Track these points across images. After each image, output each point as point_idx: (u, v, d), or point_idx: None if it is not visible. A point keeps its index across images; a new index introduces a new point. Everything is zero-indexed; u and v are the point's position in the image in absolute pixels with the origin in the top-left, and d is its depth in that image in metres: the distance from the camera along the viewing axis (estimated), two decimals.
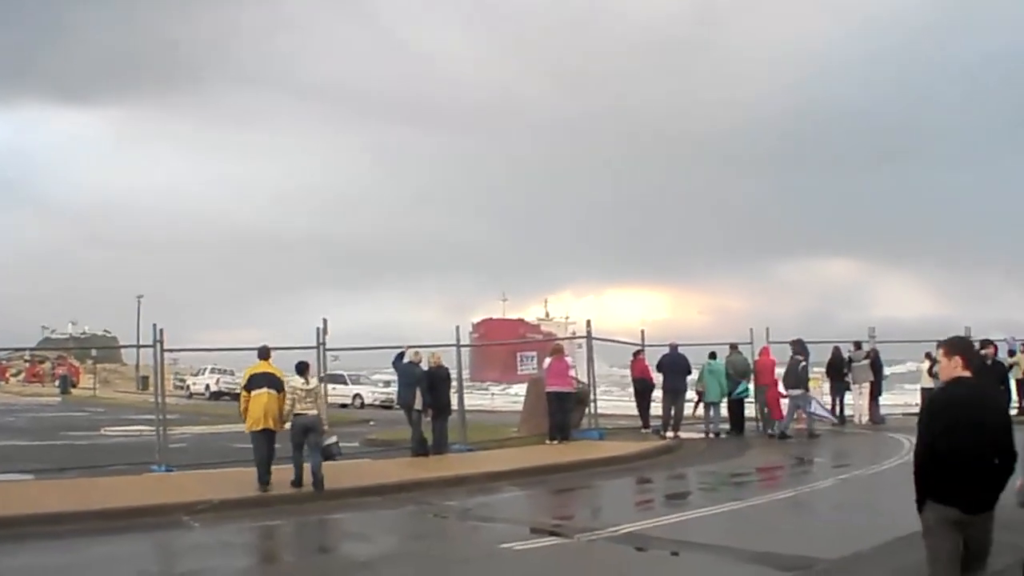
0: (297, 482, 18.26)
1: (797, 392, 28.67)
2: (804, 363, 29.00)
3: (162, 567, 13.77)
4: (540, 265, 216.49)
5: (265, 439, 18.33)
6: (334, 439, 20.57)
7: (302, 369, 18.93)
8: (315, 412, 18.57)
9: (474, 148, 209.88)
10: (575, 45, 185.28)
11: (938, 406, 7.54)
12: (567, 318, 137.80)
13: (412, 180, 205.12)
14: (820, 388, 33.16)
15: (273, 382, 18.50)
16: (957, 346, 7.67)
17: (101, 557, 13.67)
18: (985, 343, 24.76)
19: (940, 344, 7.65)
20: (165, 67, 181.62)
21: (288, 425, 18.49)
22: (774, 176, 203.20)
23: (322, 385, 20.56)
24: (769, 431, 28.90)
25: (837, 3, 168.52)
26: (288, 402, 18.36)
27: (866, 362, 31.47)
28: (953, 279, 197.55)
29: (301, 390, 18.48)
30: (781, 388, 29.11)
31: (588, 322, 30.00)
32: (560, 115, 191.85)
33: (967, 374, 7.45)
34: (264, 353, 19.19)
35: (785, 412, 28.66)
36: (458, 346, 26.49)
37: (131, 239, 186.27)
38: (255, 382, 18.57)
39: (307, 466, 18.38)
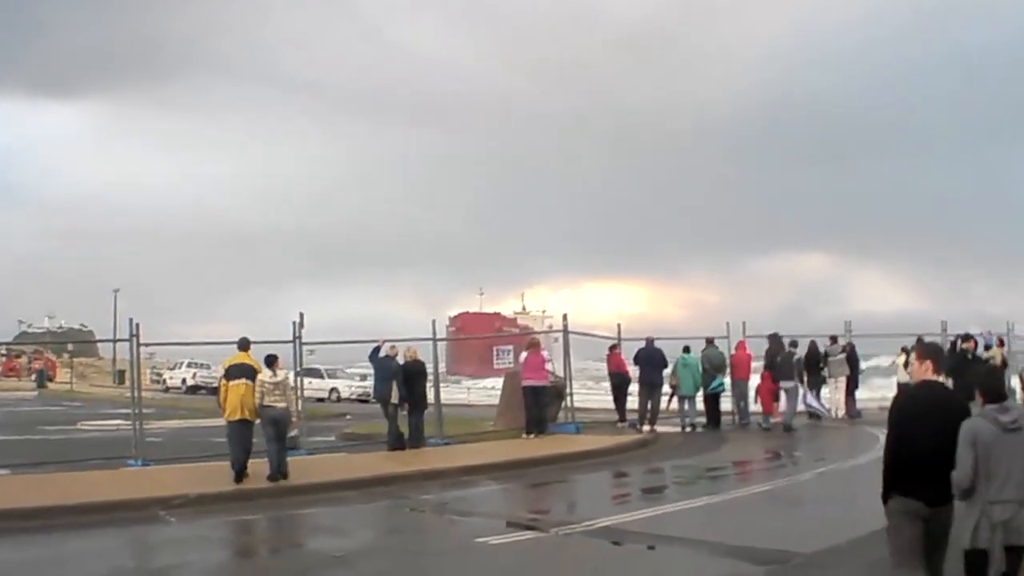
0: (273, 476, 18.33)
1: (790, 384, 28.96)
2: (799, 356, 29.13)
3: (138, 562, 13.72)
4: (517, 259, 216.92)
5: (241, 429, 18.51)
6: (294, 433, 20.33)
7: (270, 362, 18.99)
8: (283, 405, 18.63)
9: (452, 142, 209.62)
10: (554, 40, 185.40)
11: (905, 406, 8.15)
12: (544, 312, 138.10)
13: (390, 173, 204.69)
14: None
15: (250, 373, 18.64)
16: (928, 351, 8.32)
17: (77, 552, 13.62)
18: (966, 337, 24.82)
19: (915, 345, 9.22)
20: (144, 61, 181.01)
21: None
22: (751, 170, 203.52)
23: (292, 378, 20.54)
24: (764, 425, 29.11)
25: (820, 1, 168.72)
26: (257, 395, 18.42)
27: (842, 356, 31.51)
28: (928, 273, 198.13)
29: (268, 383, 18.54)
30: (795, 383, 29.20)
31: (564, 316, 30.04)
32: (538, 109, 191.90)
33: (936, 378, 8.10)
34: (244, 345, 19.37)
35: (783, 405, 28.77)
36: (434, 340, 26.43)
37: (108, 232, 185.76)
38: (232, 373, 18.75)
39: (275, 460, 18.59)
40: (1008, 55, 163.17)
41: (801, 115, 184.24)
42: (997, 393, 7.85)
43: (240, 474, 18.37)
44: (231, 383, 18.63)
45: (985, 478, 7.46)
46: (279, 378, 18.80)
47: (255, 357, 19.06)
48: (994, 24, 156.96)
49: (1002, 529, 7.42)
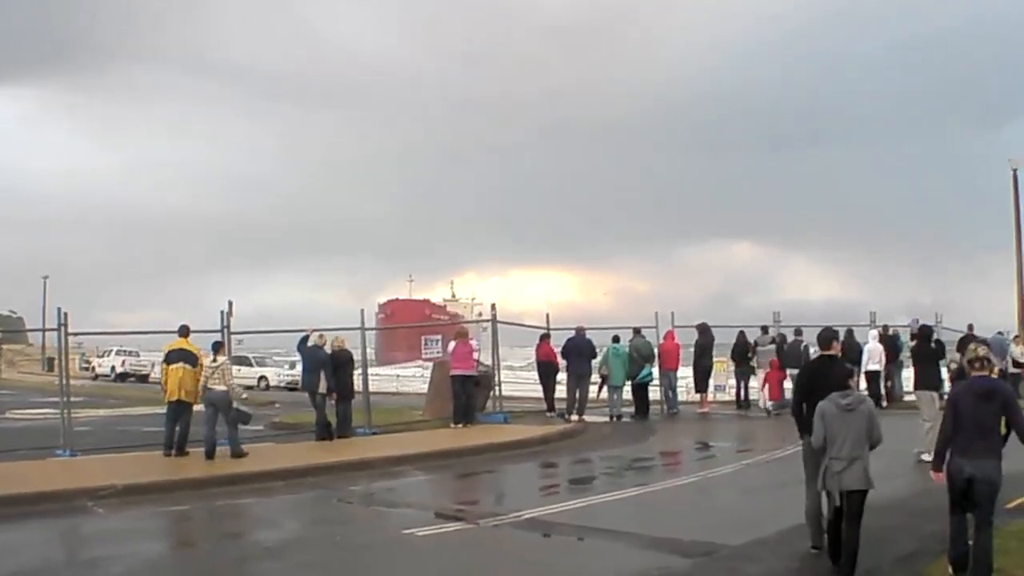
0: (209, 454, 19.73)
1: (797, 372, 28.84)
2: (805, 343, 29.26)
3: (67, 554, 13.59)
4: (446, 246, 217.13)
5: (177, 409, 20.25)
6: (239, 408, 20.39)
7: (215, 348, 20.88)
8: (222, 388, 20.01)
9: (381, 129, 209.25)
10: (486, 28, 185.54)
11: (805, 373, 12.49)
12: (473, 299, 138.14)
13: (319, 161, 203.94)
14: (726, 372, 33.47)
15: (188, 358, 20.35)
16: (828, 338, 11.96)
17: (4, 544, 13.34)
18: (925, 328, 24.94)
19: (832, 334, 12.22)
20: (74, 48, 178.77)
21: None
22: (680, 160, 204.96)
23: (228, 362, 20.95)
24: (773, 410, 29.42)
25: None
26: (202, 378, 20.08)
27: (772, 347, 31.67)
28: (857, 263, 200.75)
29: (208, 367, 20.20)
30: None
31: (493, 306, 30.03)
32: (468, 97, 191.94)
33: (833, 353, 11.82)
34: (183, 332, 20.92)
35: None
36: (362, 329, 26.30)
37: (37, 219, 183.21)
38: (171, 357, 20.45)
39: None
40: (940, 48, 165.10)
41: (732, 106, 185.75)
42: (843, 385, 10.90)
43: (168, 448, 20.17)
44: (170, 367, 20.37)
45: (830, 442, 10.58)
46: (218, 363, 20.26)
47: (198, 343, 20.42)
48: (927, 17, 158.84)
49: (839, 477, 10.49)
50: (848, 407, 10.55)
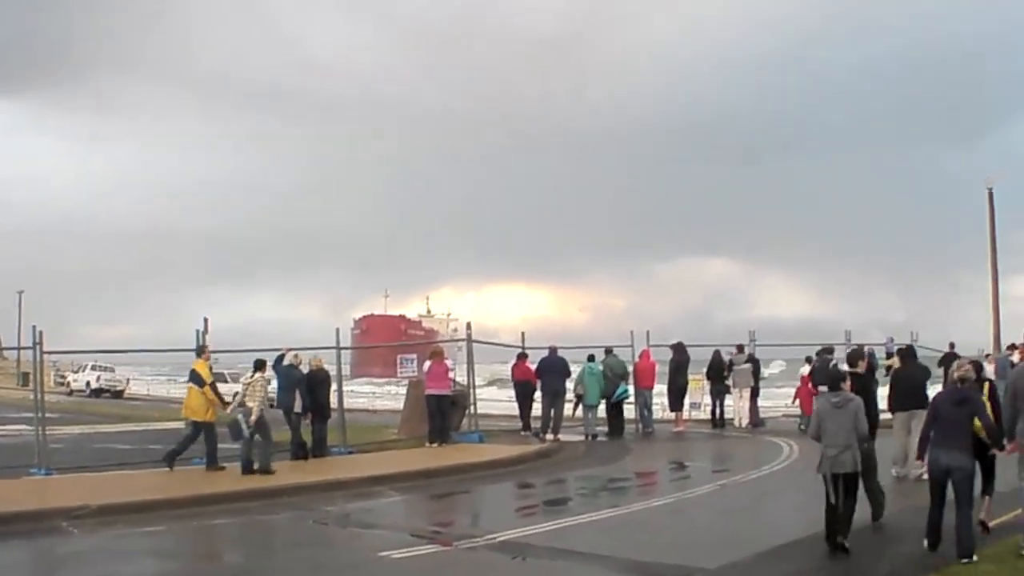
0: (245, 469, 20.42)
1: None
2: (836, 362, 29.31)
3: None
4: (422, 261, 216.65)
5: (194, 428, 21.32)
6: (241, 420, 20.85)
7: (256, 366, 21.69)
8: (251, 405, 20.68)
9: (357, 143, 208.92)
10: (461, 42, 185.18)
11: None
12: (449, 314, 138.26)
13: (295, 174, 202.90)
14: (701, 389, 33.49)
15: (195, 378, 21.34)
16: (855, 357, 15.29)
17: None
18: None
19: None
20: (45, 57, 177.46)
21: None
22: (654, 175, 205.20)
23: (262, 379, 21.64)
24: (802, 426, 28.82)
25: (722, 8, 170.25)
26: (240, 395, 21.10)
27: (747, 366, 31.76)
28: (831, 279, 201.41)
29: (243, 384, 21.33)
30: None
31: (468, 325, 29.97)
32: (442, 111, 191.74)
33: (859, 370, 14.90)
34: (199, 351, 22.04)
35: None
36: (338, 348, 26.22)
37: (13, 232, 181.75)
38: (189, 377, 21.78)
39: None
40: (914, 64, 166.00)
41: (706, 122, 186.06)
42: (835, 385, 13.12)
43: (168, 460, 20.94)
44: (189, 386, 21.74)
45: (824, 434, 12.83)
46: (251, 380, 21.11)
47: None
48: (900, 33, 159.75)
49: (831, 463, 12.64)
50: (837, 404, 12.84)
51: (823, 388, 27.69)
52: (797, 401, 30.98)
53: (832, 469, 12.63)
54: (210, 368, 21.95)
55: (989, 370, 31.55)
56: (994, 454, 13.07)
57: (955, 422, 12.16)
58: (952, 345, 32.42)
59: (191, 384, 21.57)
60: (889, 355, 31.73)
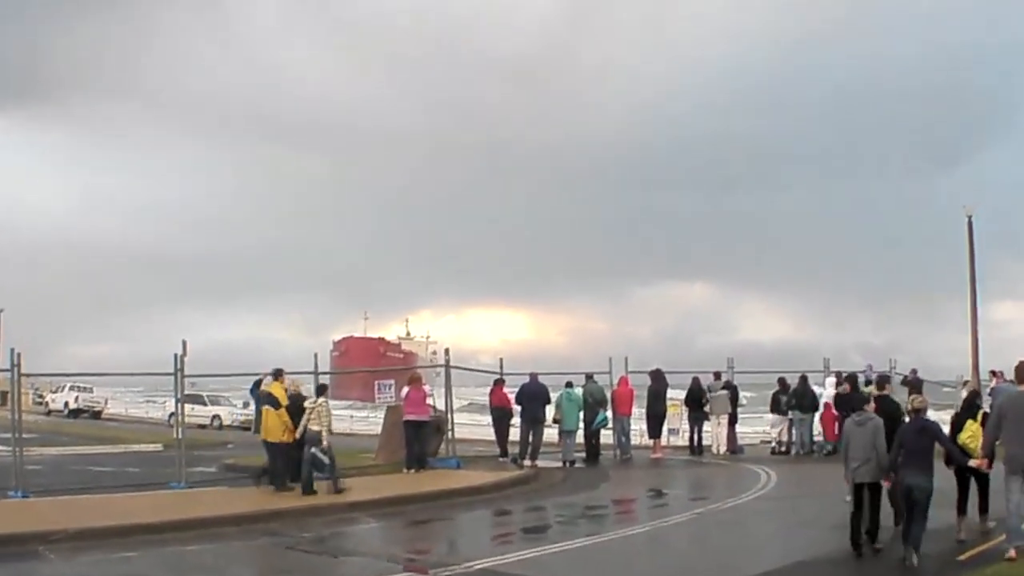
0: (305, 490, 21.17)
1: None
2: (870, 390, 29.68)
3: None
4: (401, 284, 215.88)
5: (267, 449, 22.07)
6: (316, 452, 21.39)
7: (318, 390, 22.87)
8: (316, 428, 21.31)
9: (336, 168, 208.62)
10: (442, 67, 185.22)
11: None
12: (428, 337, 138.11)
13: (273, 197, 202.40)
14: (679, 415, 33.51)
15: (271, 400, 21.92)
16: (882, 381, 18.39)
17: None
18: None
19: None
20: (26, 78, 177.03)
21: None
22: (634, 200, 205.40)
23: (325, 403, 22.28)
24: (827, 450, 29.56)
25: (698, 29, 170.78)
26: (304, 418, 21.51)
27: (725, 393, 31.82)
28: (811, 303, 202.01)
29: (308, 407, 21.72)
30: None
31: (447, 351, 30.03)
32: (420, 135, 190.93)
33: (886, 393, 17.37)
34: (276, 374, 22.76)
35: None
36: (316, 373, 26.14)
37: None
38: (263, 400, 22.54)
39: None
40: (891, 89, 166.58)
41: (685, 147, 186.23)
42: (859, 408, 15.50)
43: (263, 482, 22.07)
44: (263, 408, 22.39)
45: (849, 449, 14.79)
46: (315, 404, 21.75)
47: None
48: (877, 58, 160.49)
49: (854, 473, 14.53)
50: (860, 423, 14.77)
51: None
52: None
53: (855, 479, 14.54)
54: (285, 390, 22.33)
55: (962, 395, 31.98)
56: (987, 474, 15.21)
57: (917, 448, 13.93)
58: (914, 371, 33.43)
59: (267, 407, 22.06)
60: (868, 382, 31.97)
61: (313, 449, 21.16)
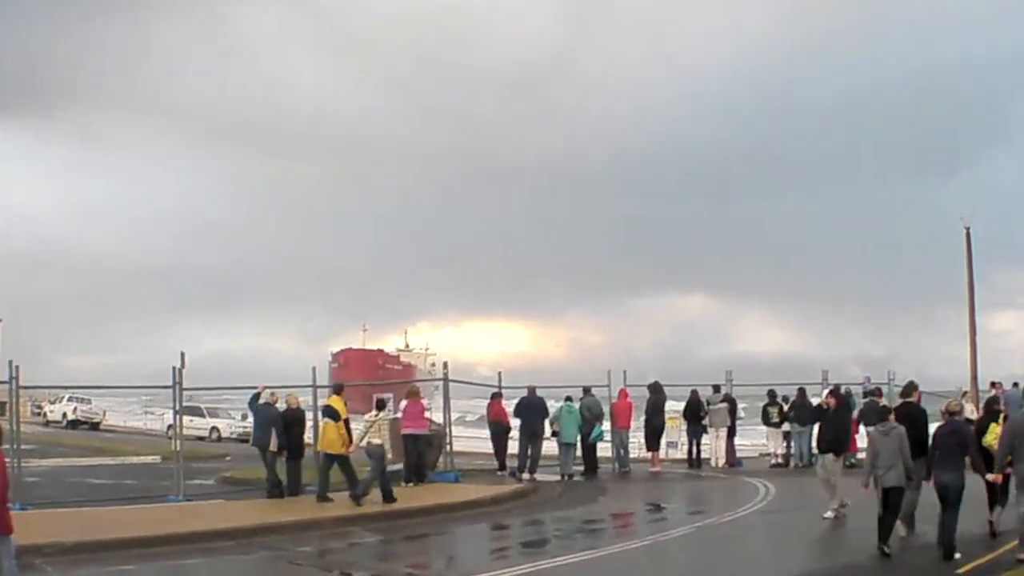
0: (355, 499, 21.75)
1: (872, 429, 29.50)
2: (884, 403, 29.75)
3: None
4: (399, 296, 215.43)
5: (326, 460, 22.43)
6: (398, 467, 23.37)
7: (378, 405, 24.09)
8: (377, 442, 22.50)
9: (333, 177, 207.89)
10: (438, 80, 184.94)
11: (904, 416, 16.92)
12: (426, 349, 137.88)
13: (271, 207, 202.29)
14: (678, 428, 33.52)
15: (331, 413, 22.34)
16: (909, 389, 18.94)
17: None
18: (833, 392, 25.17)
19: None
20: (26, 88, 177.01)
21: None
22: (632, 211, 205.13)
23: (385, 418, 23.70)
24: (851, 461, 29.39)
25: (697, 46, 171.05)
26: (364, 431, 22.70)
27: (723, 405, 31.84)
28: (810, 314, 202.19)
29: (367, 422, 22.96)
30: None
31: (445, 364, 30.05)
32: (418, 146, 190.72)
33: (912, 400, 18.38)
34: (336, 388, 23.75)
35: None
36: (314, 387, 26.13)
37: None
38: (324, 412, 22.88)
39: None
40: (888, 99, 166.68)
41: (683, 158, 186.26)
42: (883, 418, 16.57)
43: (320, 497, 22.21)
44: (323, 420, 22.83)
45: (875, 456, 15.81)
46: (376, 417, 23.03)
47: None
48: (874, 68, 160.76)
49: (881, 479, 15.53)
50: (884, 432, 15.94)
51: (869, 428, 29.21)
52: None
53: (883, 484, 15.60)
54: (345, 404, 22.79)
55: (968, 409, 32.04)
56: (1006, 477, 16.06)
57: (949, 449, 15.59)
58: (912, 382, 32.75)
59: (327, 419, 22.39)
60: (867, 394, 32.16)
61: (393, 468, 22.74)
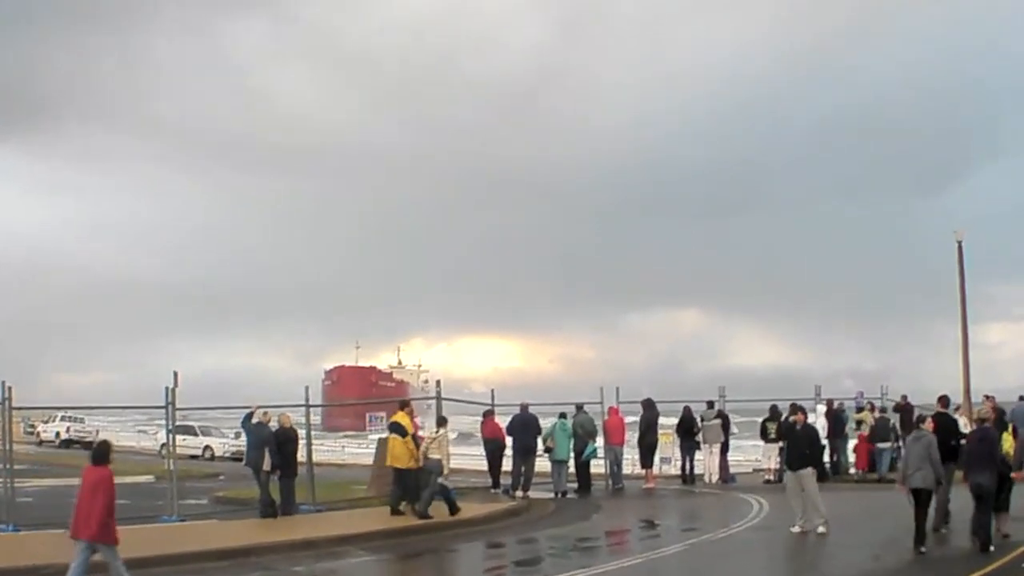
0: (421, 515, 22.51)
1: (885, 445, 30.63)
2: (893, 422, 30.33)
3: None
4: (392, 312, 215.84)
5: (394, 474, 23.21)
6: (442, 481, 23.09)
7: (439, 421, 24.48)
8: (436, 457, 22.94)
9: (325, 193, 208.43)
10: (431, 95, 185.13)
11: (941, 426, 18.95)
12: (419, 366, 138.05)
13: (263, 224, 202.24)
14: (671, 444, 33.53)
15: (398, 428, 23.10)
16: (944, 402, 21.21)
17: None
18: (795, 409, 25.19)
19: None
20: (12, 104, 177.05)
21: None
22: (626, 227, 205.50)
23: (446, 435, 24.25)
24: (859, 476, 31.06)
25: (691, 63, 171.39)
26: (423, 447, 23.20)
27: (717, 422, 31.84)
28: (803, 328, 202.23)
29: (428, 438, 23.67)
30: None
31: (438, 382, 30.05)
32: (411, 162, 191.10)
33: (942, 409, 20.53)
34: (402, 404, 24.23)
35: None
36: (307, 406, 26.13)
37: None
38: (390, 428, 23.69)
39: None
40: (879, 114, 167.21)
41: (677, 174, 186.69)
42: (916, 426, 18.88)
43: (393, 509, 23.19)
44: (390, 436, 23.56)
45: (907, 460, 17.71)
46: (437, 435, 23.61)
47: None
48: (863, 84, 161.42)
49: (911, 479, 17.13)
50: (916, 439, 17.70)
51: (883, 445, 30.63)
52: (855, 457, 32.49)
53: (910, 484, 17.26)
54: (411, 418, 23.61)
55: (961, 422, 32.19)
56: (1012, 479, 17.96)
57: (979, 452, 17.36)
58: (905, 397, 33.66)
59: (394, 435, 23.16)
60: (859, 409, 32.44)
61: (440, 479, 22.82)
